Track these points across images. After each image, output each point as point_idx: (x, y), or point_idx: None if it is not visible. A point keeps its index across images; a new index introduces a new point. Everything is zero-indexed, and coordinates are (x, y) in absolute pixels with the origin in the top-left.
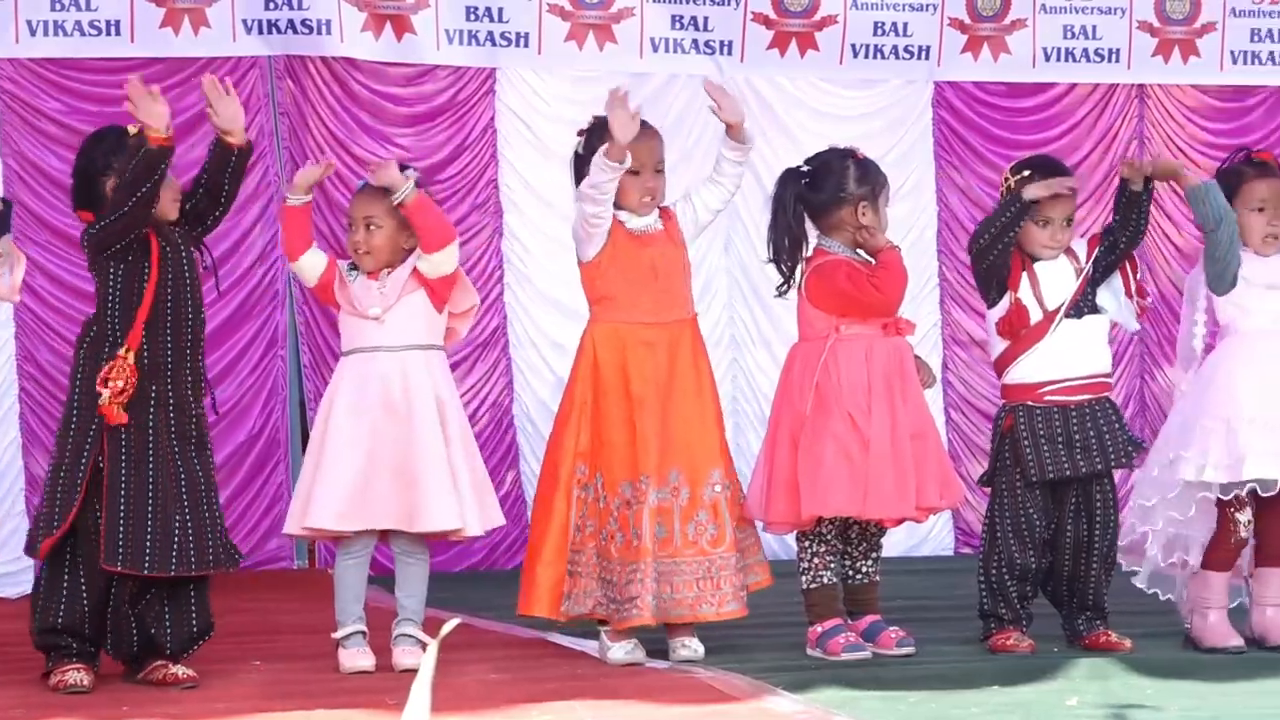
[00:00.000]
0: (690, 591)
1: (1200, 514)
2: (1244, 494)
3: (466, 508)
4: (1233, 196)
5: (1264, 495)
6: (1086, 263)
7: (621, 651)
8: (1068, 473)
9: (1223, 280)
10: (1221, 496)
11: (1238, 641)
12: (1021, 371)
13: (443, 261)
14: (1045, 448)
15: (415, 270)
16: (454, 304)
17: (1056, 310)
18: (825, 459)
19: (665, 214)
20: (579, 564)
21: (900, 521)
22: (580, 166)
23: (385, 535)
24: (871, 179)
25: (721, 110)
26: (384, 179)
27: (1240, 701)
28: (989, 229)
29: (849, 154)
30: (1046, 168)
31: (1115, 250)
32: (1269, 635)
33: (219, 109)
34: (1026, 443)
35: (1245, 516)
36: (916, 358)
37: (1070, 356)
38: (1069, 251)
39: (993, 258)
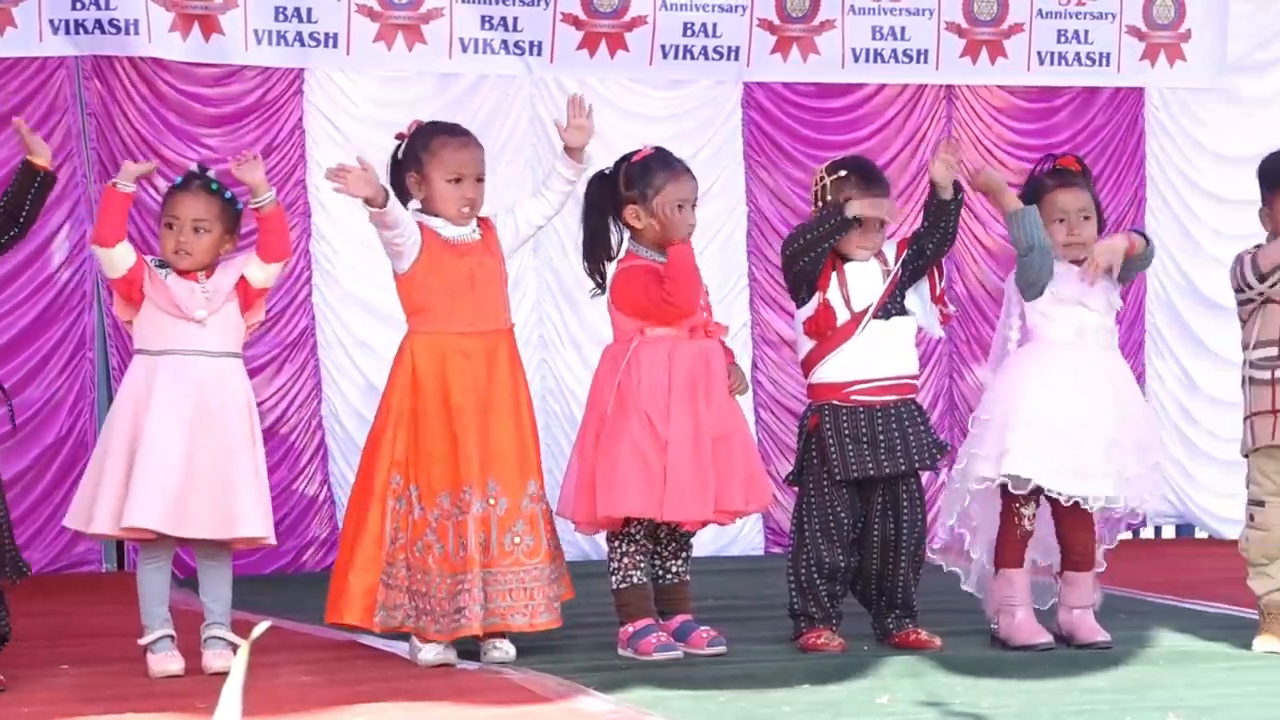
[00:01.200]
0: (504, 601)
1: (991, 510)
2: (1026, 492)
3: (266, 516)
4: (1035, 201)
5: (1064, 503)
6: (895, 265)
7: (432, 653)
8: (872, 473)
9: (1032, 289)
10: (1014, 489)
11: (1046, 638)
12: (828, 371)
13: (275, 273)
14: (850, 448)
15: (240, 276)
16: (249, 316)
17: (864, 311)
18: (621, 461)
19: (484, 224)
20: (393, 576)
21: (703, 524)
22: (397, 171)
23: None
24: (648, 179)
25: (567, 132)
26: (249, 176)
27: (1047, 698)
28: (805, 236)
29: (623, 159)
30: (860, 169)
31: (924, 255)
32: (1076, 633)
33: (33, 146)
34: (832, 442)
35: (1029, 510)
36: (734, 364)
37: (877, 357)
38: (878, 253)
39: (804, 263)
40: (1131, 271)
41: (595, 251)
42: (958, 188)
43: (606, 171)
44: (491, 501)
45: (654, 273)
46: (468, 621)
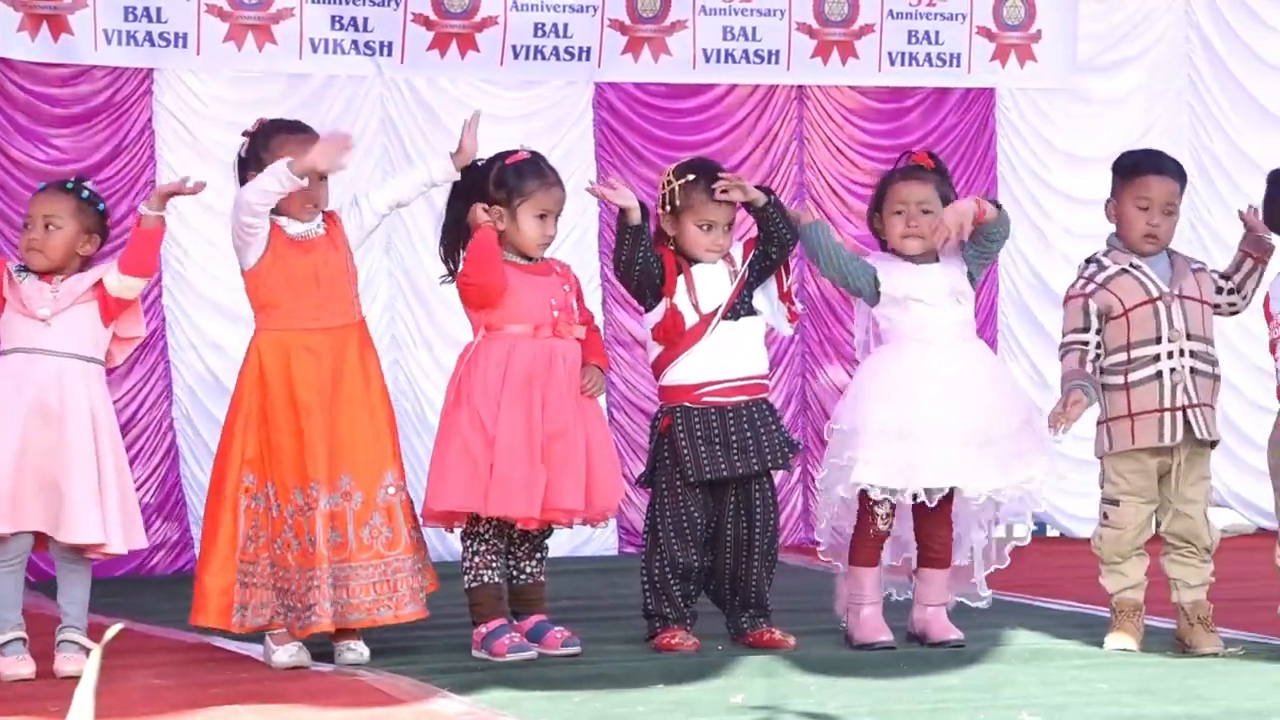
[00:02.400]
0: (367, 595)
1: (851, 514)
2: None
3: (111, 524)
4: (882, 200)
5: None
6: (742, 266)
7: (286, 655)
8: (724, 473)
9: (859, 295)
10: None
11: (887, 637)
12: (679, 373)
13: (133, 286)
14: (703, 448)
15: (98, 282)
16: (122, 327)
17: (713, 313)
18: (449, 456)
19: (329, 218)
20: (253, 575)
21: (543, 523)
22: (243, 170)
23: (45, 541)
24: (518, 184)
25: (462, 151)
26: (165, 189)
27: (901, 696)
28: (620, 254)
29: (498, 157)
30: (706, 169)
31: (770, 257)
32: (929, 632)
33: None
34: (684, 443)
35: (884, 510)
36: (595, 366)
37: (727, 358)
38: (726, 255)
39: (635, 276)
40: (988, 242)
41: (452, 238)
42: (767, 191)
43: (479, 163)
44: (345, 496)
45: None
46: (318, 618)
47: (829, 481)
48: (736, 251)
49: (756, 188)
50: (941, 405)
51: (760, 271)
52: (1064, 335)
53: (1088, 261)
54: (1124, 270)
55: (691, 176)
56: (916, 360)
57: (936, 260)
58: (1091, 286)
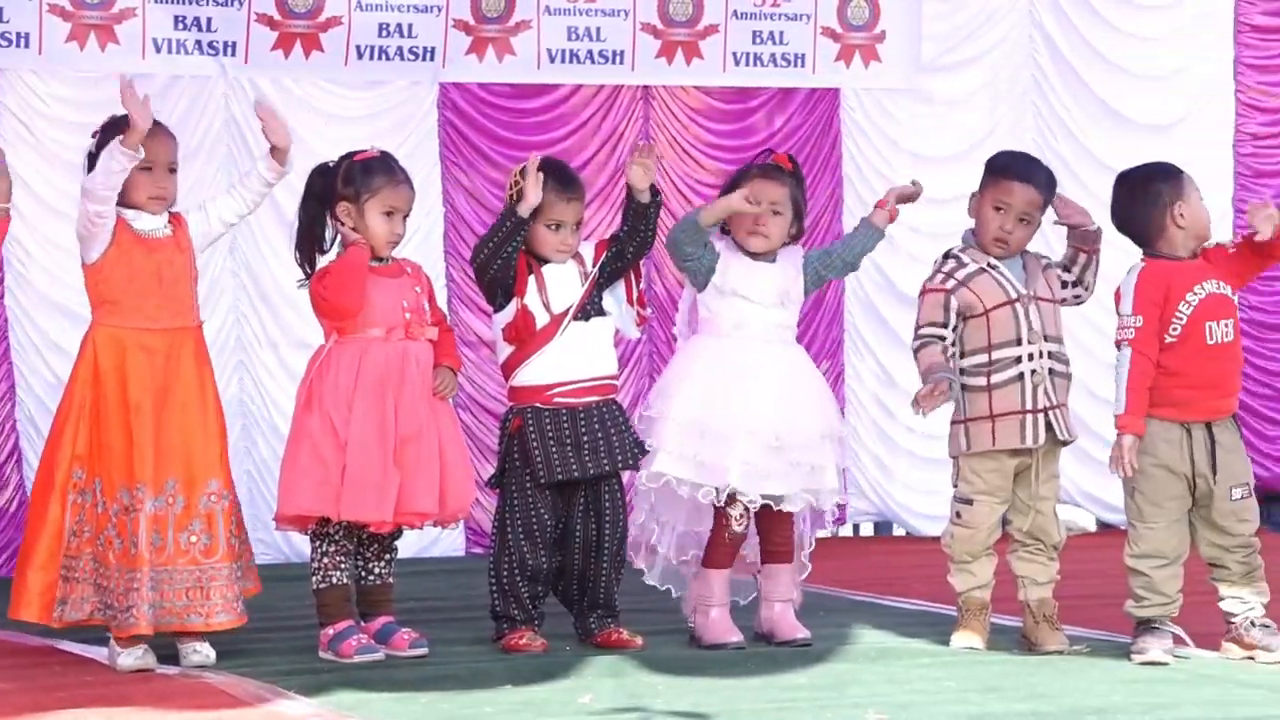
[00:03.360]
0: (180, 600)
1: (695, 510)
2: (724, 494)
3: None
4: (734, 190)
5: (701, 499)
6: (593, 267)
7: (131, 658)
8: (575, 474)
9: (694, 275)
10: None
11: (737, 638)
12: (529, 374)
13: None
14: (554, 449)
15: None
16: None
17: (564, 314)
18: (299, 459)
19: (175, 220)
20: (75, 569)
21: (395, 526)
22: (91, 168)
23: None
24: (366, 181)
25: (271, 133)
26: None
27: (748, 695)
28: (488, 243)
29: (347, 156)
30: (553, 169)
31: (624, 258)
32: (777, 631)
33: None
34: (535, 444)
35: (737, 511)
36: (447, 368)
37: (577, 359)
38: (576, 255)
39: (494, 270)
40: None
41: (306, 243)
42: (654, 190)
43: (330, 164)
44: (170, 499)
45: (327, 274)
46: (135, 620)
47: (641, 469)
48: (587, 252)
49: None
50: (743, 404)
51: (611, 273)
52: (920, 328)
53: (945, 256)
54: (983, 270)
55: (540, 175)
56: (730, 355)
57: (774, 261)
58: (952, 282)
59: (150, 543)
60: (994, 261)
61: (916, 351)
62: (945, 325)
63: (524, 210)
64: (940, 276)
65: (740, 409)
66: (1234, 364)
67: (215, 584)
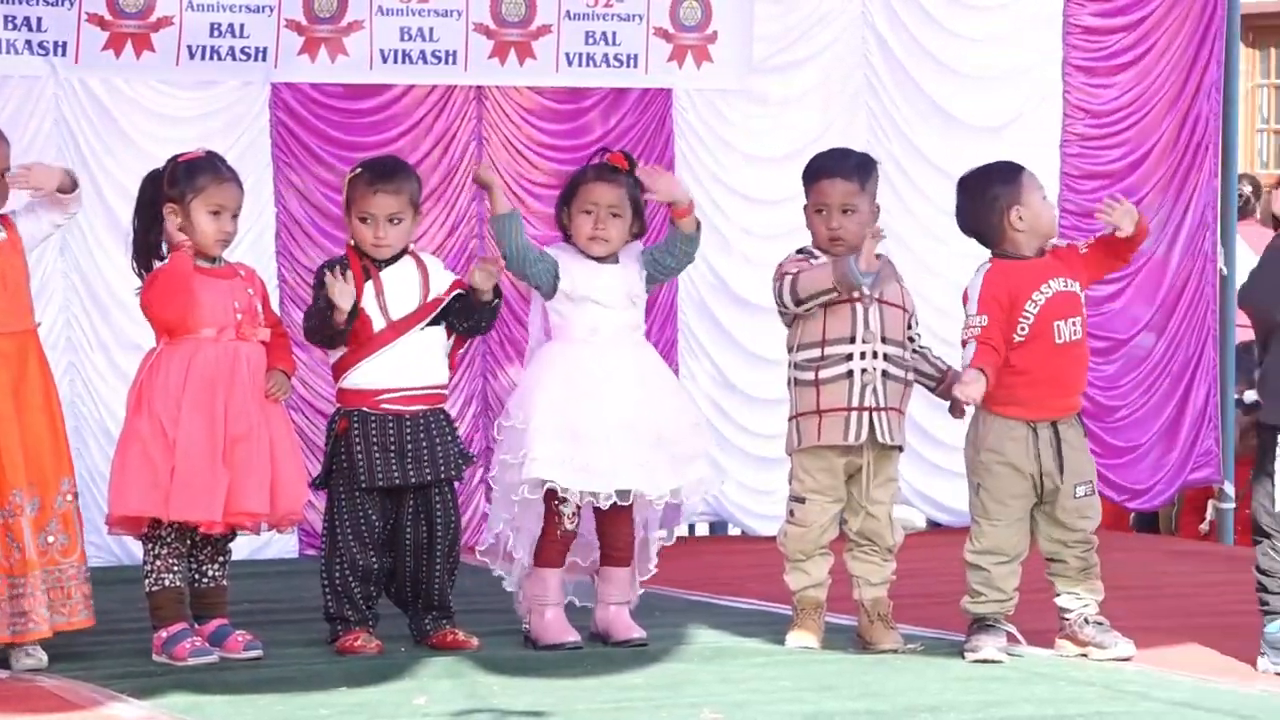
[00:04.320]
0: (42, 603)
1: (532, 511)
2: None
3: None
4: (572, 196)
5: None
6: (442, 295)
7: (33, 659)
8: (397, 481)
9: (537, 289)
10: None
11: (573, 638)
12: (359, 378)
13: None
14: (377, 455)
15: None
16: None
17: (402, 320)
18: (129, 461)
19: (5, 222)
20: None
21: (228, 527)
22: None
23: None
24: (191, 181)
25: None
26: None
27: (584, 696)
28: (313, 333)
29: (174, 158)
30: (371, 166)
31: (456, 329)
32: (612, 631)
33: None
34: (359, 449)
35: (568, 510)
36: (280, 370)
37: (409, 367)
38: (417, 259)
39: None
40: (678, 248)
41: (142, 251)
42: (497, 290)
43: (160, 170)
44: (31, 501)
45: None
46: (35, 625)
47: (500, 479)
48: (437, 271)
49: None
50: (611, 406)
51: (449, 326)
52: (785, 270)
53: (800, 251)
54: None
55: (359, 171)
56: (588, 359)
57: (617, 261)
58: (805, 267)
59: (38, 545)
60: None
61: (794, 279)
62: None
63: (337, 318)
64: (796, 261)
65: (609, 410)
66: (1081, 362)
67: (75, 583)
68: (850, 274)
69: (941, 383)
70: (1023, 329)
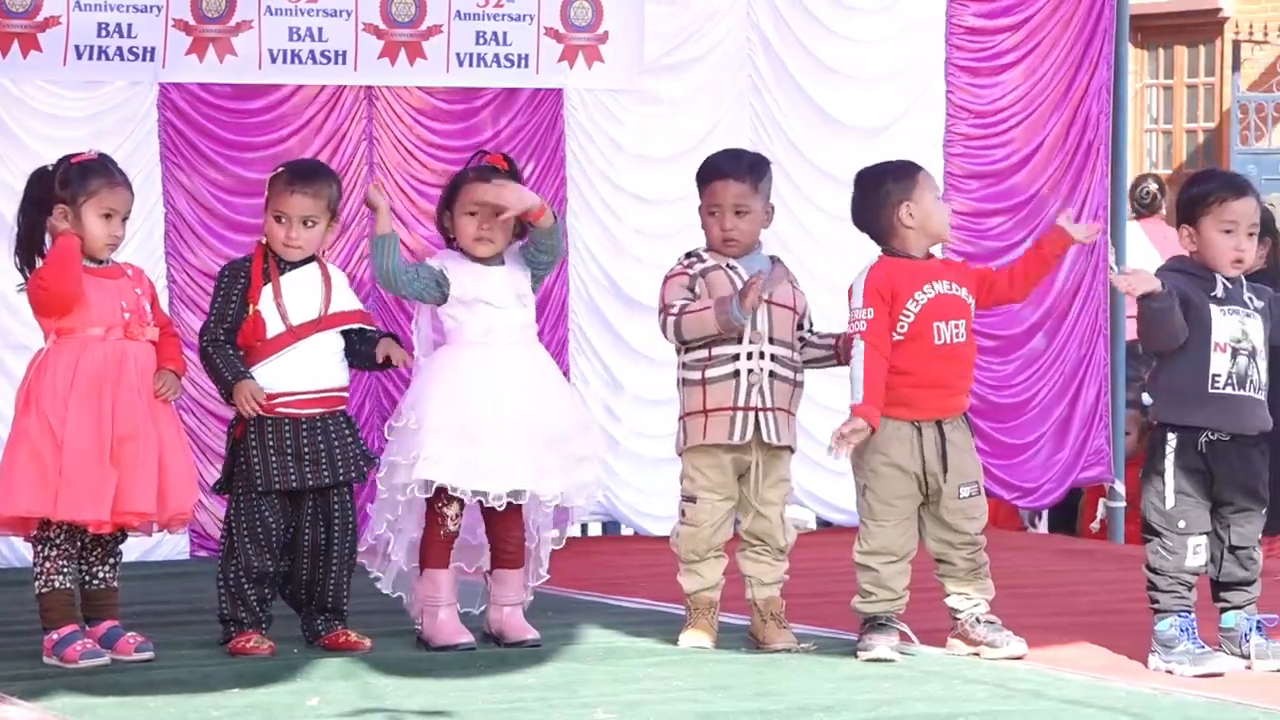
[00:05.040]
0: None
1: (414, 514)
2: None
3: None
4: (454, 199)
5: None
6: (343, 307)
7: None
8: (295, 484)
9: (420, 301)
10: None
11: (466, 639)
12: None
13: None
14: (274, 459)
15: None
16: None
17: (302, 325)
18: (17, 460)
19: None
20: None
21: (115, 527)
22: None
23: None
24: (82, 184)
25: None
26: None
27: (478, 697)
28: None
29: (65, 159)
30: (293, 165)
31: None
32: (506, 631)
33: None
34: (256, 453)
35: (453, 510)
36: (170, 370)
37: (307, 370)
38: (322, 267)
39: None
40: (536, 253)
41: (25, 248)
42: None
43: (48, 169)
44: None
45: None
46: None
47: (388, 480)
48: (340, 281)
49: None
50: (506, 406)
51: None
52: (667, 304)
53: (688, 254)
54: (719, 267)
55: (281, 170)
56: (481, 361)
57: (503, 263)
58: (694, 270)
59: None
60: (733, 262)
61: (678, 322)
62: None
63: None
64: (681, 266)
65: (502, 411)
66: (963, 365)
67: None
68: (733, 319)
69: (836, 351)
70: (902, 326)
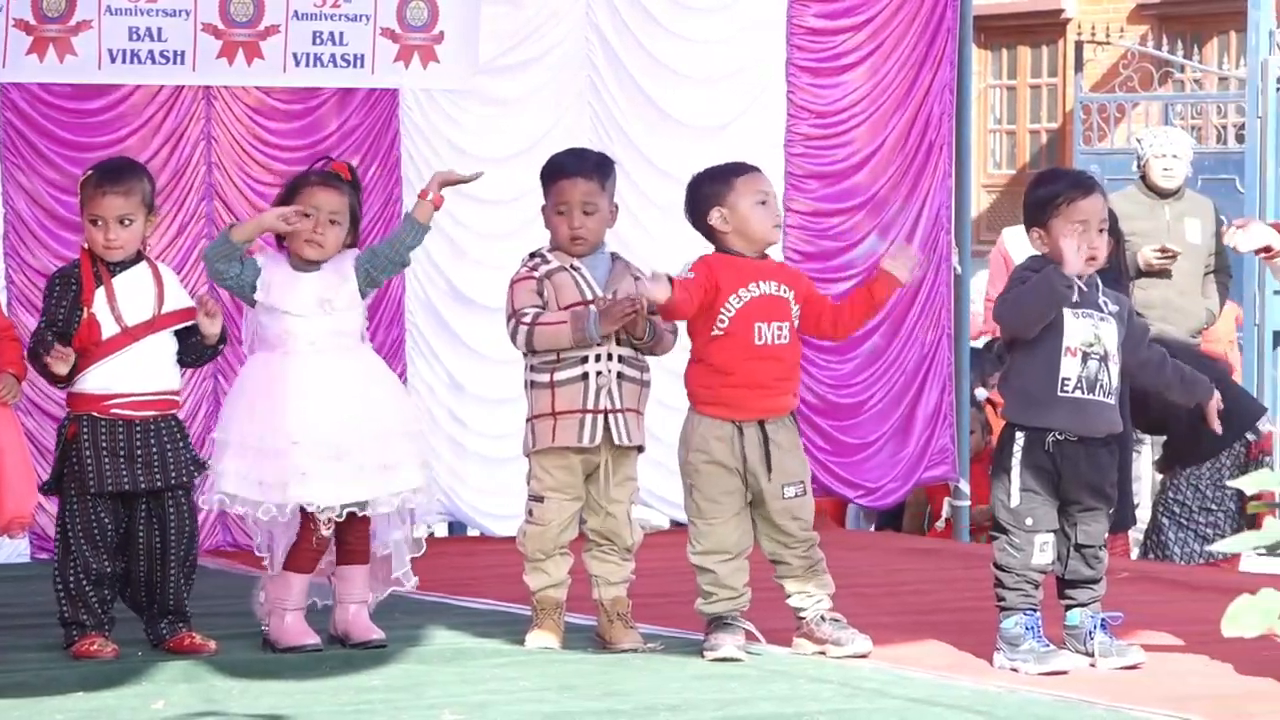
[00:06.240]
0: None
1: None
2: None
3: None
4: (291, 202)
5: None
6: (175, 308)
7: None
8: (127, 487)
9: (239, 294)
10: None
11: (313, 640)
12: (89, 383)
13: None
14: (106, 460)
15: None
16: None
17: (137, 326)
18: None
19: None
20: None
21: None
22: None
23: None
24: None
25: None
26: None
27: (324, 698)
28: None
29: None
30: (99, 167)
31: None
32: (352, 632)
33: None
34: (89, 454)
35: (324, 516)
36: (10, 374)
37: (140, 373)
38: (151, 265)
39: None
40: (404, 250)
41: None
42: (223, 335)
43: None
44: None
45: None
46: None
47: (215, 486)
48: (172, 281)
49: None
50: (301, 417)
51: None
52: (518, 311)
53: (531, 255)
54: (563, 269)
55: (90, 173)
56: (279, 369)
57: (318, 269)
58: (540, 272)
59: None
60: (576, 264)
61: (530, 332)
62: (542, 309)
63: (55, 375)
64: (527, 269)
65: (290, 422)
66: (785, 366)
67: None
68: (588, 336)
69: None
70: (722, 322)
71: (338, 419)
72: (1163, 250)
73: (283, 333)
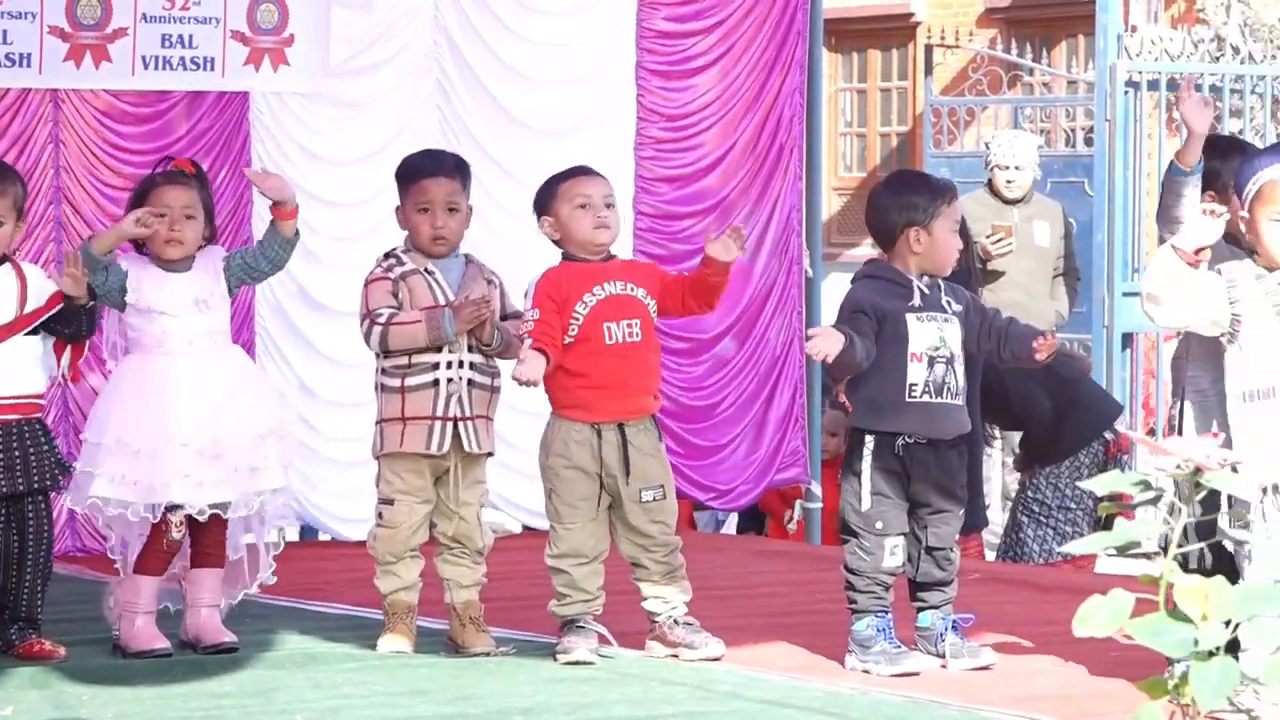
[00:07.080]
0: None
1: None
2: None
3: None
4: (142, 203)
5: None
6: (40, 306)
7: None
8: None
9: (107, 300)
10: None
11: (162, 644)
12: None
13: None
14: None
15: None
16: None
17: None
18: None
19: None
20: None
21: None
22: None
23: None
24: None
25: None
26: None
27: (176, 703)
28: None
29: None
30: None
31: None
32: (202, 637)
33: None
34: None
35: (176, 518)
36: None
37: (4, 375)
38: (14, 265)
39: None
40: (274, 252)
41: None
42: (92, 293)
43: None
44: None
45: None
46: None
47: (74, 492)
48: (36, 278)
49: None
50: (176, 417)
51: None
52: (372, 311)
53: (386, 255)
54: (418, 271)
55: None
56: (153, 370)
57: (189, 268)
58: (395, 274)
59: None
60: (431, 267)
61: (384, 332)
62: (398, 309)
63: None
64: (380, 270)
65: (171, 423)
66: (642, 365)
67: None
68: (444, 334)
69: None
70: (573, 330)
71: (219, 419)
72: (993, 229)
73: (160, 333)
